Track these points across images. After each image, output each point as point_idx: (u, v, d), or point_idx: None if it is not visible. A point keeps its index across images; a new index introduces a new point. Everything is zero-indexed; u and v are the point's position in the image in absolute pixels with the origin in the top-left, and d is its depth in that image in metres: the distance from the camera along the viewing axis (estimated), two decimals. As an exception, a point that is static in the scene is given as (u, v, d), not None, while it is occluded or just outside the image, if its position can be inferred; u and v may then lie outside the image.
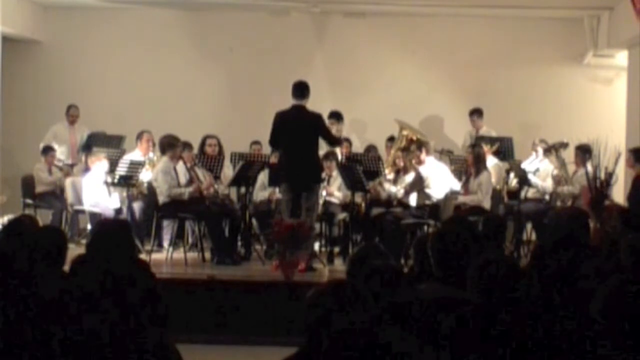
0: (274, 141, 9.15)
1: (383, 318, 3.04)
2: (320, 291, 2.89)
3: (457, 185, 9.98)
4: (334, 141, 9.52)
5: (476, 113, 11.81)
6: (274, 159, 10.07)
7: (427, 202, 9.72)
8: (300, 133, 8.89)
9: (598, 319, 2.95)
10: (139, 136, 10.80)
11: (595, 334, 3.00)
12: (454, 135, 12.46)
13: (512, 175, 10.60)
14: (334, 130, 10.45)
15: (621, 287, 2.98)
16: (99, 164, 10.53)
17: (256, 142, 11.29)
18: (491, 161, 10.64)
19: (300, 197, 8.92)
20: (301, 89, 8.99)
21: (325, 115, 10.60)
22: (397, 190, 9.98)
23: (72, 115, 11.78)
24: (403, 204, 9.87)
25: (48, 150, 11.19)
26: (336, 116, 11.17)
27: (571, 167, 10.51)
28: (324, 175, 9.94)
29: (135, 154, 10.68)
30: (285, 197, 9.04)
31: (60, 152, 11.61)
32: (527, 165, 10.59)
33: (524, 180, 10.19)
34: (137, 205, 10.34)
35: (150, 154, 10.64)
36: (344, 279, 3.01)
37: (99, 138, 11.62)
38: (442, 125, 12.64)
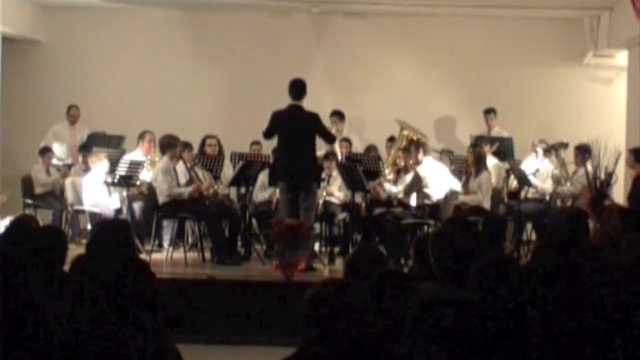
0: (267, 134, 9.20)
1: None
2: (321, 290, 2.84)
3: (457, 185, 9.98)
4: (330, 138, 9.51)
5: (492, 112, 11.79)
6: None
7: (427, 202, 9.72)
8: (297, 133, 8.90)
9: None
10: (141, 136, 10.79)
11: (596, 333, 3.00)
12: (454, 135, 12.46)
13: (512, 175, 10.60)
14: (334, 129, 10.49)
15: None
16: (100, 164, 10.52)
17: (256, 142, 11.29)
18: (491, 161, 10.64)
19: (298, 197, 8.91)
20: (297, 88, 8.97)
21: (327, 114, 10.61)
22: (397, 190, 9.98)
23: (72, 115, 11.78)
24: (403, 204, 9.87)
25: (46, 151, 11.18)
26: (338, 115, 11.18)
27: (571, 167, 10.51)
28: (323, 175, 9.94)
29: (136, 154, 10.67)
30: (283, 197, 9.03)
31: (61, 152, 11.62)
32: (526, 165, 10.59)
33: (523, 180, 10.19)
34: (137, 205, 10.34)
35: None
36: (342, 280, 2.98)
37: (99, 138, 11.62)
38: (441, 125, 12.63)
